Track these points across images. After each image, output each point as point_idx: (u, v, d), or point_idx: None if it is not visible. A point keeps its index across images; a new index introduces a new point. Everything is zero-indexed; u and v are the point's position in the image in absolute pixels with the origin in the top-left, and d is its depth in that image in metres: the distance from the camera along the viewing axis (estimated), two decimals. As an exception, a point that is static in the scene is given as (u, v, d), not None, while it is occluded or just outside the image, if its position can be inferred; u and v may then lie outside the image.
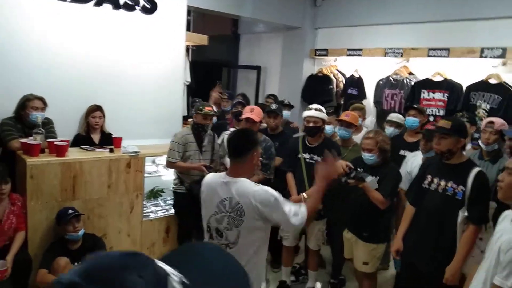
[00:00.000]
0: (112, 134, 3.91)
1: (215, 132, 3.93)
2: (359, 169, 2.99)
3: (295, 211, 2.05)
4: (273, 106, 3.88)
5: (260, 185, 2.09)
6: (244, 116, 3.50)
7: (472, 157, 3.07)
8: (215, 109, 4.76)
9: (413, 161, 3.42)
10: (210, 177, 2.22)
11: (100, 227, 3.54)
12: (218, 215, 2.09)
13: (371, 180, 2.87)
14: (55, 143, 3.34)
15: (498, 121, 3.21)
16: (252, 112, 3.50)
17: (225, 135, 3.69)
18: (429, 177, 2.68)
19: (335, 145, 3.48)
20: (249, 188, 2.03)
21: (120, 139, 3.78)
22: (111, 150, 3.64)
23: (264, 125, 4.13)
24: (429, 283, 2.65)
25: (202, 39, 5.39)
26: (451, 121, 2.59)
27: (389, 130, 4.00)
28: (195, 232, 3.91)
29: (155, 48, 4.34)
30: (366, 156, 3.00)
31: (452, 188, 2.52)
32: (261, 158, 3.49)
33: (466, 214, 2.47)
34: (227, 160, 3.55)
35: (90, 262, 0.55)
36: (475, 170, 2.48)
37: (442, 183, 2.58)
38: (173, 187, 3.86)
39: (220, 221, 2.08)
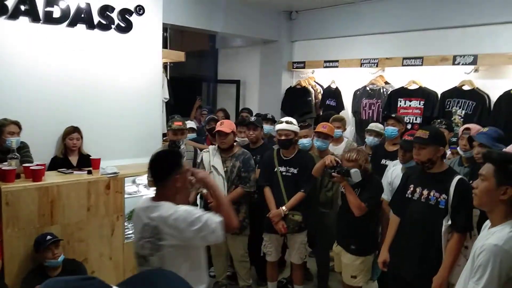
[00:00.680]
0: (90, 155, 3.84)
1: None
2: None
3: (212, 228, 1.90)
4: (252, 119, 3.91)
5: (183, 206, 1.96)
6: (216, 130, 3.53)
7: (451, 164, 3.13)
8: (193, 124, 4.75)
9: (392, 171, 3.44)
10: (140, 203, 2.14)
11: (81, 252, 3.44)
12: (141, 241, 1.99)
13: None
14: (31, 167, 3.25)
15: (474, 127, 3.27)
16: (221, 126, 3.52)
17: (203, 153, 3.68)
18: (411, 187, 2.69)
19: (309, 156, 3.51)
20: (168, 210, 1.91)
21: (98, 160, 3.72)
22: (90, 172, 3.57)
23: (246, 139, 4.13)
24: None
25: (179, 56, 5.38)
26: (428, 130, 2.62)
27: (369, 139, 4.04)
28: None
29: (132, 67, 4.31)
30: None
31: (435, 197, 2.54)
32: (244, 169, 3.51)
33: (449, 222, 2.48)
34: None
35: (47, 284, 0.64)
36: (457, 178, 2.50)
37: (425, 192, 2.59)
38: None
39: (143, 247, 1.97)
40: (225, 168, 3.55)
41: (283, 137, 3.40)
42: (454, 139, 3.44)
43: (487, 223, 1.92)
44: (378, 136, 4.03)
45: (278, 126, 3.45)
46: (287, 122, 3.42)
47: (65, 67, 3.88)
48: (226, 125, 3.53)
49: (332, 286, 3.87)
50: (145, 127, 4.45)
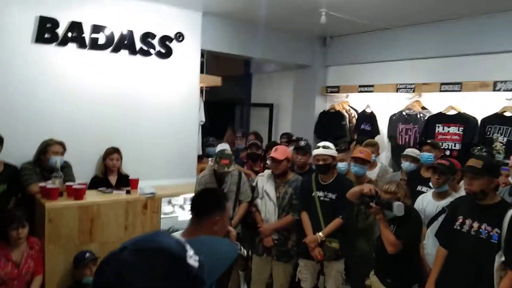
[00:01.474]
0: (128, 176, 3.95)
1: None
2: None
3: None
4: (302, 143, 3.85)
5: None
6: (270, 155, 3.53)
7: (501, 194, 2.95)
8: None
9: (423, 198, 3.32)
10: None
11: (117, 270, 3.50)
12: None
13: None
14: (73, 186, 3.38)
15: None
16: (275, 152, 3.49)
17: (259, 178, 3.69)
18: (460, 218, 2.56)
19: (347, 181, 3.45)
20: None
21: (137, 180, 3.82)
22: (128, 192, 3.67)
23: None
24: None
25: (215, 81, 5.51)
26: (482, 160, 2.49)
27: (405, 164, 3.97)
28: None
29: (171, 90, 4.46)
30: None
31: (487, 231, 2.40)
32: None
33: (503, 258, 2.31)
34: (258, 202, 3.57)
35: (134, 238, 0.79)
36: (511, 211, 2.33)
37: (475, 225, 2.46)
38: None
39: None
40: (278, 194, 3.52)
41: (320, 162, 3.36)
42: (507, 161, 3.29)
43: None
44: (415, 162, 3.94)
45: (315, 151, 3.41)
46: (324, 147, 3.37)
47: (107, 90, 4.07)
48: (280, 152, 3.48)
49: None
50: (181, 149, 4.56)
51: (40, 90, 3.73)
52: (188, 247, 0.77)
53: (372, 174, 4.25)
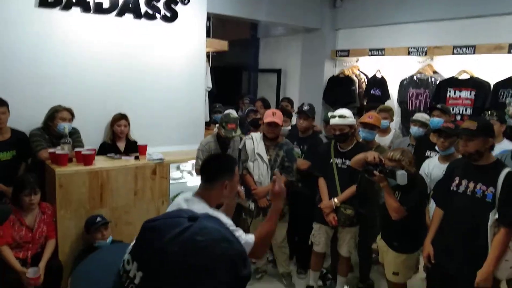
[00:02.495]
0: (137, 142, 3.96)
1: None
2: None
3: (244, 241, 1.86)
4: (305, 108, 3.82)
5: (218, 211, 1.94)
6: (267, 120, 3.49)
7: (503, 158, 2.97)
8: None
9: (429, 162, 3.32)
10: (180, 195, 2.12)
11: (128, 234, 3.57)
12: None
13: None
14: (82, 152, 3.40)
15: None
16: (274, 117, 3.48)
17: (247, 140, 3.68)
18: (456, 179, 2.59)
19: (366, 148, 3.38)
20: (199, 210, 1.87)
21: (145, 146, 3.83)
22: (137, 158, 3.69)
23: (287, 128, 4.11)
24: (461, 287, 2.57)
25: (222, 45, 5.41)
26: (476, 121, 2.51)
27: (414, 129, 3.92)
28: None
29: (177, 55, 4.39)
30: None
31: (481, 190, 2.44)
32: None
33: (497, 216, 2.38)
34: (250, 164, 3.58)
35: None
36: (506, 170, 2.40)
37: (471, 185, 2.50)
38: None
39: None
40: (268, 157, 3.55)
41: (337, 132, 3.31)
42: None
43: None
44: (423, 127, 3.89)
45: (332, 121, 3.35)
46: (340, 116, 3.30)
47: (113, 56, 4.01)
48: (278, 117, 3.49)
49: (373, 277, 3.81)
50: (188, 115, 4.53)
51: (46, 56, 3.69)
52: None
53: (386, 140, 4.22)
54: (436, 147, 3.28)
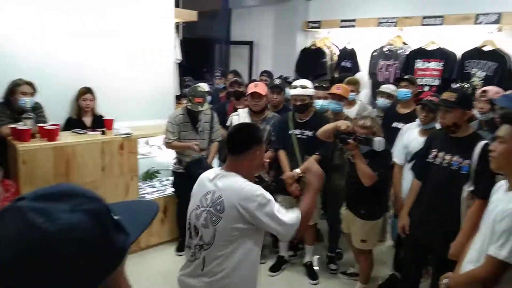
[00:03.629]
0: (103, 116, 3.87)
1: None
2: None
3: (289, 218, 1.82)
4: (277, 81, 3.80)
5: (251, 183, 1.86)
6: (250, 91, 3.46)
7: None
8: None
9: (409, 134, 3.35)
10: (206, 172, 2.02)
11: (97, 210, 3.53)
12: (198, 210, 1.88)
13: (379, 140, 2.73)
14: (45, 127, 3.30)
15: (492, 89, 3.16)
16: (256, 87, 3.45)
17: (233, 117, 3.64)
18: (434, 151, 2.60)
19: (325, 119, 3.44)
20: (236, 182, 1.82)
21: (111, 121, 3.74)
22: (103, 133, 3.61)
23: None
24: (435, 258, 2.65)
25: (191, 15, 5.27)
26: (455, 93, 2.49)
27: (380, 101, 3.97)
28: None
29: (143, 26, 4.25)
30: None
31: (457, 163, 2.46)
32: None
33: (471, 188, 2.41)
34: None
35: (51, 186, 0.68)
36: (482, 143, 2.39)
37: (447, 157, 2.51)
38: (172, 167, 3.89)
39: (198, 217, 1.87)
40: None
41: (298, 102, 3.33)
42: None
43: (500, 184, 1.88)
44: (390, 98, 3.94)
45: (293, 92, 3.37)
46: (302, 87, 3.33)
47: (77, 27, 3.84)
48: (261, 87, 3.45)
49: (343, 246, 3.92)
50: (157, 89, 4.44)
51: (5, 28, 3.51)
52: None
53: (351, 112, 4.24)
54: (418, 120, 3.27)
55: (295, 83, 3.42)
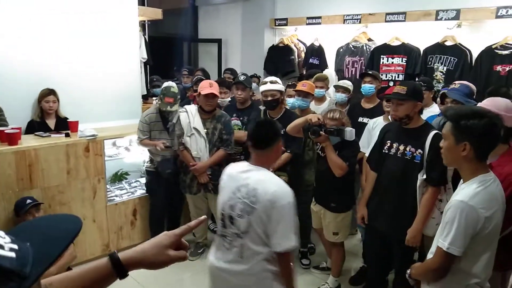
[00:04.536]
0: (68, 118, 3.76)
1: None
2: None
3: (294, 236, 1.93)
4: (241, 78, 3.76)
5: (282, 181, 2.02)
6: (204, 92, 3.41)
7: (440, 122, 3.07)
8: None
9: (375, 124, 3.43)
10: (232, 166, 2.18)
11: (63, 215, 3.43)
12: (232, 201, 2.01)
13: (350, 131, 2.83)
14: (6, 131, 3.18)
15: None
16: (212, 88, 3.42)
17: (180, 113, 3.59)
18: (388, 142, 2.71)
19: (295, 116, 3.46)
20: (269, 177, 2.00)
21: (76, 122, 3.64)
22: (68, 135, 3.51)
23: (227, 99, 4.07)
24: (393, 246, 2.73)
25: (156, 13, 5.18)
26: (406, 86, 2.59)
27: (337, 95, 4.04)
28: (167, 211, 3.91)
29: (107, 25, 4.15)
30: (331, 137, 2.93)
31: (411, 152, 2.56)
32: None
33: (424, 176, 2.51)
34: (187, 139, 3.52)
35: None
36: (432, 132, 2.51)
37: (401, 147, 2.61)
38: (145, 166, 3.87)
39: (233, 208, 2.00)
40: (206, 130, 3.50)
41: (269, 98, 3.34)
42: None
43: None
44: (346, 92, 4.01)
45: (263, 87, 3.38)
46: (271, 82, 3.34)
47: (38, 27, 3.71)
48: (216, 88, 3.42)
49: (314, 241, 3.96)
50: (123, 89, 4.34)
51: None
52: (2, 234, 0.61)
53: (321, 108, 4.29)
54: (387, 115, 3.33)
55: (266, 79, 3.43)
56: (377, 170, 2.82)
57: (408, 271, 2.04)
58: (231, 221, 2.02)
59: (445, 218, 1.76)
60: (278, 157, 2.17)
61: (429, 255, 1.94)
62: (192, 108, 3.58)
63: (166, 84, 3.68)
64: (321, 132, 2.84)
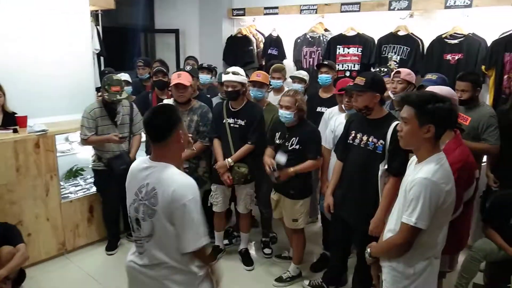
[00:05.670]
0: (16, 113, 3.57)
1: (139, 107, 3.76)
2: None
3: (203, 232, 1.78)
4: (187, 68, 3.74)
5: (185, 175, 1.80)
6: (173, 82, 3.34)
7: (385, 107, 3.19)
8: (127, 77, 4.50)
9: (336, 120, 3.46)
10: (135, 163, 1.94)
11: (14, 214, 3.28)
12: (136, 203, 1.83)
13: (280, 157, 3.03)
14: None
15: (405, 71, 3.38)
16: (179, 78, 3.34)
17: None
18: (352, 133, 2.74)
19: (257, 108, 3.47)
20: (169, 175, 1.76)
21: (25, 117, 3.48)
22: (15, 131, 3.35)
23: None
24: (357, 235, 2.78)
25: (108, 3, 4.99)
26: (365, 77, 2.63)
27: (294, 85, 4.07)
28: (122, 208, 3.80)
29: (56, 15, 3.96)
30: (284, 114, 3.03)
31: (373, 143, 2.60)
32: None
33: (386, 167, 2.55)
34: None
35: None
36: (394, 123, 2.52)
37: (364, 138, 2.65)
38: (91, 165, 3.69)
39: (137, 210, 1.83)
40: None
41: (230, 89, 3.31)
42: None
43: (412, 160, 2.03)
44: (302, 82, 4.07)
45: (225, 77, 3.34)
46: (233, 73, 3.30)
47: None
48: (184, 77, 3.34)
49: (276, 230, 4.00)
50: (75, 82, 4.18)
51: None
52: None
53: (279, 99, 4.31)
54: (343, 106, 3.37)
55: (228, 69, 3.39)
56: (343, 160, 2.86)
57: (368, 250, 2.11)
58: (138, 224, 1.85)
59: (408, 195, 1.84)
60: (182, 149, 1.89)
61: (387, 233, 2.01)
62: (170, 102, 3.50)
63: (109, 74, 3.59)
64: (276, 176, 3.04)
